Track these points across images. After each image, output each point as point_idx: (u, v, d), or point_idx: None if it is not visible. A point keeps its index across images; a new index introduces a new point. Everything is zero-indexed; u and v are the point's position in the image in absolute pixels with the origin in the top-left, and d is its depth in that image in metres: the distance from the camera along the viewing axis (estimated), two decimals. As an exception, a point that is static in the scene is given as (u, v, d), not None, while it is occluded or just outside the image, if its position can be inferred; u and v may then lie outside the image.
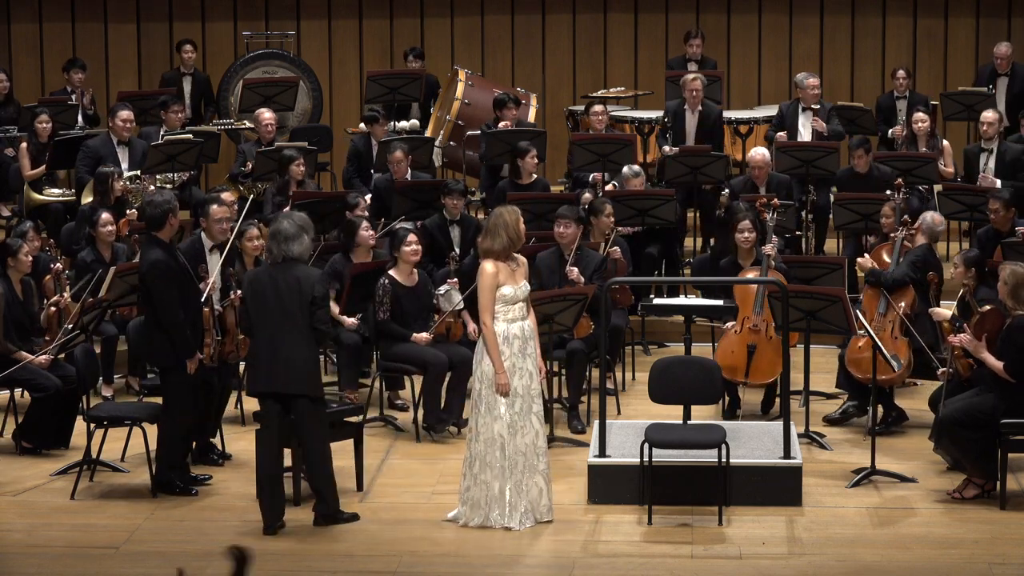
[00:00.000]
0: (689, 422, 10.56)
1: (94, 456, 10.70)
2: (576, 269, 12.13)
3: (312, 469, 9.95)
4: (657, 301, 12.54)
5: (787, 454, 10.35)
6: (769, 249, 12.19)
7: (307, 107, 17.70)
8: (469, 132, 16.34)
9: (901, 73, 16.90)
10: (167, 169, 14.63)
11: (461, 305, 12.05)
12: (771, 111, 16.26)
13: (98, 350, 12.02)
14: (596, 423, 10.73)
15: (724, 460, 10.01)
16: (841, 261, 12.78)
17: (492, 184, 15.24)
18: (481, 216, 14.47)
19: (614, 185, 14.54)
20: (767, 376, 11.87)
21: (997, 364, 10.19)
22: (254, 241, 11.95)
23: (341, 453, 10.66)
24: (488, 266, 9.83)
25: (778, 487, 10.24)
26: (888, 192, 13.81)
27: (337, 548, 9.63)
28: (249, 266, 11.78)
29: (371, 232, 12.71)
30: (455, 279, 12.37)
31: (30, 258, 11.89)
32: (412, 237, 12.05)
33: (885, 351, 10.69)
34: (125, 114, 14.84)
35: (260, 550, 9.50)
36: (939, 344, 11.02)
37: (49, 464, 11.11)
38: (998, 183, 14.71)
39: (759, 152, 14.36)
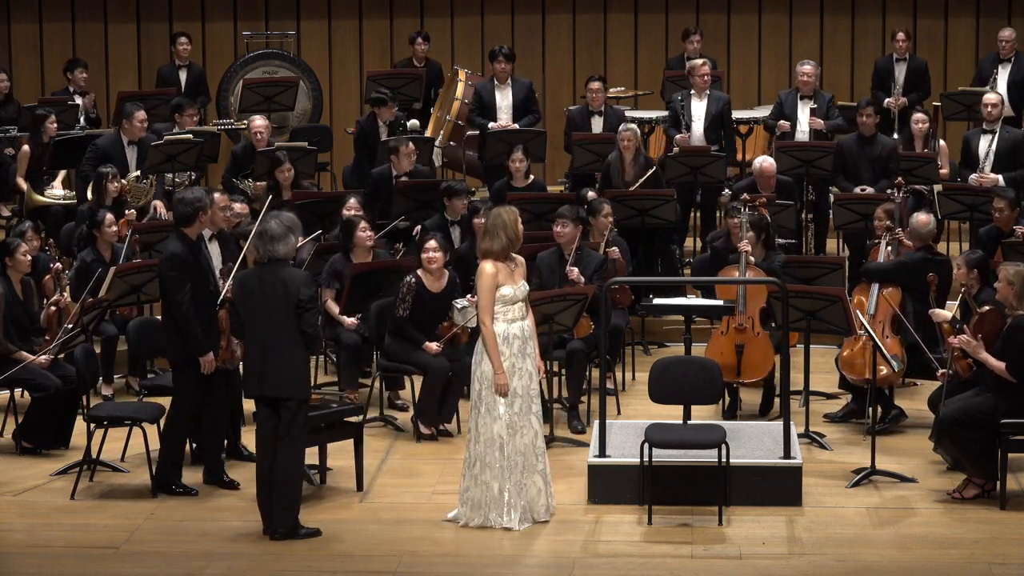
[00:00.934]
0: (689, 422, 10.56)
1: (94, 456, 10.69)
2: (576, 269, 12.12)
3: (277, 472, 9.59)
4: (657, 301, 12.53)
5: (787, 454, 10.35)
6: (744, 246, 12.18)
7: (307, 107, 17.68)
8: (469, 132, 16.34)
9: (901, 35, 16.63)
10: (167, 169, 14.62)
11: (473, 324, 11.70)
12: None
13: (98, 350, 12.01)
14: (596, 423, 10.72)
15: (724, 460, 10.01)
16: (841, 261, 12.75)
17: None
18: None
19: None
20: (761, 371, 11.87)
21: (998, 365, 10.18)
22: (225, 212, 11.55)
23: (341, 453, 10.67)
24: (487, 267, 9.81)
25: (778, 487, 10.24)
26: (888, 192, 13.80)
27: (337, 548, 9.62)
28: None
29: (369, 232, 12.66)
30: (475, 296, 12.23)
31: (29, 258, 11.87)
32: (431, 244, 11.87)
33: (885, 351, 10.69)
34: (142, 115, 14.82)
35: (260, 550, 9.53)
36: (939, 345, 11.00)
37: (49, 464, 11.10)
38: (1000, 179, 14.59)
39: (766, 161, 14.27)
